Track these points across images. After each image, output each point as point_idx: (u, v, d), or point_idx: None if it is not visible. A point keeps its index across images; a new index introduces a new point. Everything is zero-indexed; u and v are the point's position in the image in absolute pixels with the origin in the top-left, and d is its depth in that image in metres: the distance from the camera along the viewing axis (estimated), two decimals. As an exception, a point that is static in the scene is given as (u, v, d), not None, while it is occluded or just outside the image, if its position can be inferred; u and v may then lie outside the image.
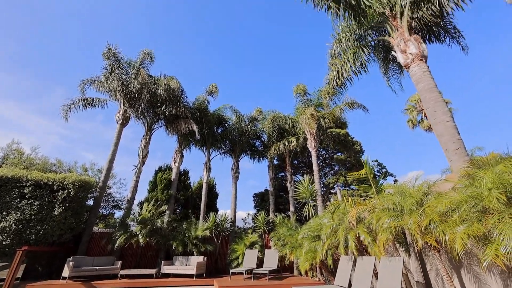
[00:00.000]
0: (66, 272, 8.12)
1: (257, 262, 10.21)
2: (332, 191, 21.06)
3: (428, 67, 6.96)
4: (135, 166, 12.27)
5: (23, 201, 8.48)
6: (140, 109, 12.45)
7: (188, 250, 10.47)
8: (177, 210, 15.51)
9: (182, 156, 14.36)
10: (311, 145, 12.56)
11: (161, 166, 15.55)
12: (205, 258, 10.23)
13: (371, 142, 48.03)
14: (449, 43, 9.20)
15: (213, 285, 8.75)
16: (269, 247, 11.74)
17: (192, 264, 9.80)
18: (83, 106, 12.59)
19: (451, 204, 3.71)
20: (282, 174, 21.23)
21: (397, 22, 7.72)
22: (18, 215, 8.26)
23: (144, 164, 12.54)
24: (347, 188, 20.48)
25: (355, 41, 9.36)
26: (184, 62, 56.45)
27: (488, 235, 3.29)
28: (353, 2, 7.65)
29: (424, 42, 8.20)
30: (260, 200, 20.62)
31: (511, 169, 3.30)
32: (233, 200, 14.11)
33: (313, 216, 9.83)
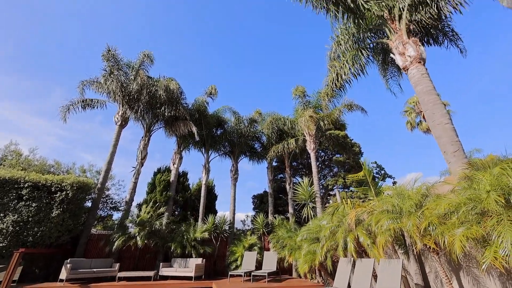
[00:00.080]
0: (63, 275, 8.05)
1: (256, 264, 10.17)
2: (331, 193, 21.06)
3: (426, 69, 7.00)
4: (134, 167, 12.24)
5: (20, 203, 8.43)
6: (139, 111, 12.44)
7: (186, 252, 10.42)
8: (176, 212, 15.44)
9: (181, 158, 14.33)
10: (310, 146, 12.57)
11: (160, 168, 15.51)
12: (204, 260, 10.18)
13: (370, 143, 48.22)
14: (447, 46, 9.27)
15: (211, 287, 8.70)
16: (268, 249, 11.71)
17: (190, 266, 9.75)
18: (82, 107, 12.56)
19: (450, 207, 3.72)
20: (281, 175, 21.23)
21: (395, 24, 7.77)
22: (16, 216, 8.20)
23: (143, 165, 12.51)
24: (346, 190, 20.49)
25: (354, 44, 9.41)
26: (184, 62, 56.58)
27: (487, 238, 3.30)
28: (352, 5, 7.70)
29: (423, 44, 8.25)
30: (259, 201, 20.59)
31: (509, 171, 3.31)
32: (232, 201, 14.09)
33: (312, 218, 9.83)
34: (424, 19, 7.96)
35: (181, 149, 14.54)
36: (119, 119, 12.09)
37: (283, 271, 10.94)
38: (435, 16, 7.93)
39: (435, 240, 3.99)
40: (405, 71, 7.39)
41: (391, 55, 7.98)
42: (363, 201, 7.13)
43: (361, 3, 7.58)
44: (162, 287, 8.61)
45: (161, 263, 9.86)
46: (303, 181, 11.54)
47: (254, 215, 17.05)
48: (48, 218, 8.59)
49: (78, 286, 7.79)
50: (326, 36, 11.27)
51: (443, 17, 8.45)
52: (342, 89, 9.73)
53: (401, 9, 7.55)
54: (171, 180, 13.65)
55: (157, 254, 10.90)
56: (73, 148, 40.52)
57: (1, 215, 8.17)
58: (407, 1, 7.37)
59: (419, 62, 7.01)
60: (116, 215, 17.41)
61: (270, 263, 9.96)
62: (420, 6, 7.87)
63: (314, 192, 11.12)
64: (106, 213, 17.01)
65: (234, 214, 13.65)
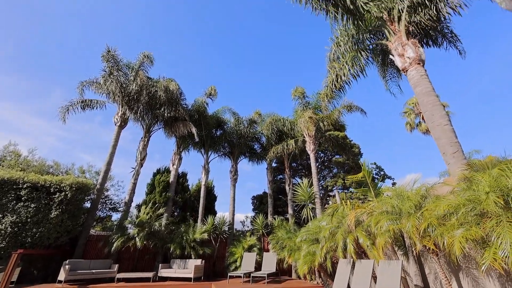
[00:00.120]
0: (62, 276, 8.01)
1: (256, 265, 10.16)
2: (330, 193, 21.07)
3: (425, 71, 7.02)
4: (133, 168, 12.22)
5: (19, 204, 8.40)
6: (138, 111, 12.44)
7: (186, 253, 10.39)
8: (175, 213, 15.42)
9: (180, 159, 14.32)
10: (310, 147, 12.58)
11: (160, 169, 15.49)
12: (203, 261, 10.16)
13: (369, 144, 48.29)
14: (446, 47, 9.30)
15: (211, 288, 8.68)
16: (268, 250, 11.69)
17: (189, 267, 9.72)
18: (81, 108, 12.54)
19: (449, 208, 3.72)
20: (281, 176, 21.23)
21: (395, 26, 7.79)
22: (14, 217, 8.17)
23: (142, 166, 12.50)
24: (346, 191, 20.49)
25: (354, 45, 9.43)
26: (184, 62, 56.62)
27: (486, 239, 3.30)
28: (351, 7, 7.72)
29: (422, 46, 8.28)
30: (259, 202, 20.58)
31: (508, 172, 3.32)
32: (231, 202, 14.07)
33: (311, 219, 9.82)
34: (423, 20, 7.99)
35: (181, 150, 14.53)
36: (118, 119, 12.08)
37: (283, 272, 10.92)
38: (434, 18, 7.95)
39: (434, 241, 3.99)
40: (404, 72, 7.41)
41: (391, 56, 8.00)
42: (362, 202, 7.14)
43: (361, 5, 7.60)
44: (161, 288, 8.58)
45: (160, 264, 9.83)
46: (302, 182, 11.54)
47: (254, 216, 17.03)
48: (47, 219, 8.56)
49: (77, 287, 7.76)
50: (326, 36, 11.29)
51: (442, 19, 8.48)
52: (341, 90, 9.75)
53: (400, 11, 7.58)
54: (170, 181, 13.63)
55: (156, 255, 10.87)
56: (72, 149, 40.48)
57: (0, 216, 8.14)
58: (406, 2, 7.40)
59: (418, 64, 7.03)
60: (115, 216, 17.33)
61: (269, 264, 9.94)
62: (419, 8, 7.90)
63: (313, 193, 11.12)
64: (105, 214, 16.94)
65: (233, 215, 13.64)
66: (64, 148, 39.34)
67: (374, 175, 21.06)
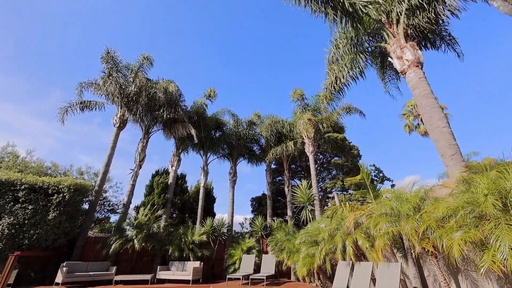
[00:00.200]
0: (59, 278, 7.96)
1: (254, 267, 10.12)
2: (329, 195, 21.06)
3: (424, 73, 7.05)
4: (132, 169, 12.18)
5: (16, 205, 8.35)
6: (137, 113, 12.43)
7: (184, 255, 10.34)
8: (174, 215, 15.35)
9: (179, 160, 14.29)
10: (309, 149, 12.59)
11: (158, 170, 15.45)
12: (202, 263, 10.11)
13: (368, 146, 48.37)
14: (444, 50, 9.36)
15: (209, 291, 8.63)
16: (267, 252, 11.65)
17: (188, 269, 9.68)
18: (80, 109, 12.53)
19: (448, 210, 3.73)
20: (280, 178, 21.21)
21: (393, 29, 7.84)
22: (12, 219, 8.12)
23: (141, 167, 12.47)
24: (345, 193, 20.50)
25: (353, 47, 9.47)
26: (184, 63, 56.68)
27: (485, 241, 3.30)
28: (350, 9, 7.75)
29: (420, 48, 8.33)
30: (258, 204, 20.52)
31: (506, 174, 3.33)
32: (230, 204, 14.03)
33: (310, 221, 9.81)
34: (421, 23, 8.04)
35: (180, 151, 14.51)
36: (117, 121, 12.07)
37: (282, 274, 10.88)
38: (433, 21, 8.01)
39: (433, 243, 3.99)
40: (403, 74, 7.44)
41: (389, 58, 8.04)
42: (361, 204, 7.13)
43: (359, 8, 7.64)
44: (159, 291, 8.53)
45: (158, 266, 9.78)
46: (301, 184, 11.54)
47: (253, 218, 16.98)
48: (44, 221, 8.51)
49: (74, 289, 7.70)
50: (326, 37, 11.39)
51: (440, 22, 8.54)
52: (340, 92, 9.79)
53: (399, 14, 7.62)
54: (169, 183, 13.59)
55: (154, 257, 10.81)
56: (71, 150, 40.31)
57: (-3, 217, 8.09)
58: (404, 5, 7.45)
59: (417, 66, 7.07)
60: (114, 218, 17.23)
61: (268, 266, 9.91)
62: (418, 11, 7.95)
63: (312, 194, 11.11)
64: (103, 215, 16.85)
65: (232, 216, 13.60)
66: (63, 149, 39.18)
67: (373, 177, 21.09)
